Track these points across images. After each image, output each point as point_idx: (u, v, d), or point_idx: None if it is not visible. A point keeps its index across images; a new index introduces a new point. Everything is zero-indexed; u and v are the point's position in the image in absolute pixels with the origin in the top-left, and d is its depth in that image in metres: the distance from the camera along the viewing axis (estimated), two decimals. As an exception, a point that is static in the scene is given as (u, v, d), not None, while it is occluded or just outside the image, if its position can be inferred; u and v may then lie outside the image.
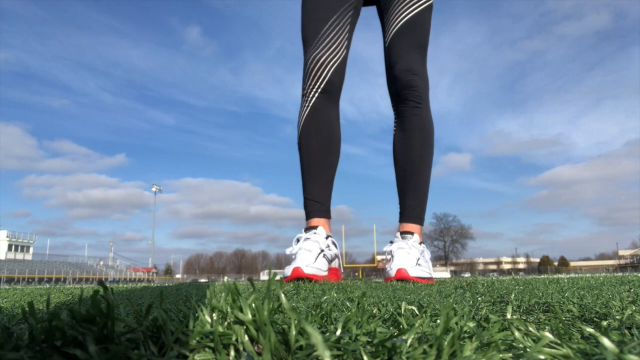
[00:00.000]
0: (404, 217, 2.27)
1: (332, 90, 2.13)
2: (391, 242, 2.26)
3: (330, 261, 2.13)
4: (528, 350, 0.31)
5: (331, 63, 2.10)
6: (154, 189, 66.59)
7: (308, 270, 1.92)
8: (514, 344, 0.34)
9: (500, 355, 0.29)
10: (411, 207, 2.27)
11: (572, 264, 74.05)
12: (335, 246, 2.18)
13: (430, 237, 68.53)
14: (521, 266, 75.44)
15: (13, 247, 49.88)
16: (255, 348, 0.31)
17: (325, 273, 2.03)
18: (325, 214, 2.15)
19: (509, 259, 78.62)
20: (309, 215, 2.15)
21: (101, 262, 60.40)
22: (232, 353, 0.31)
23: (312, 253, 2.00)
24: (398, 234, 2.24)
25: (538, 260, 75.78)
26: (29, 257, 51.95)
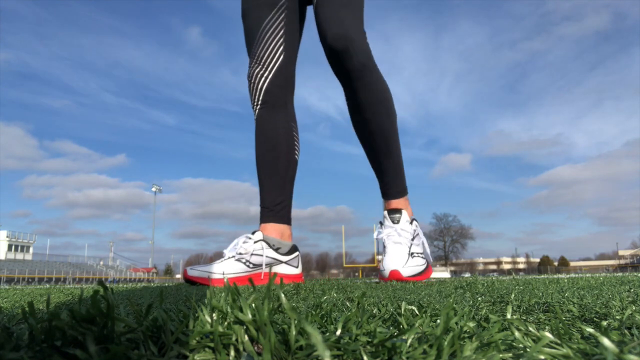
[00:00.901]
0: (386, 194, 2.20)
1: (273, 100, 2.12)
2: (381, 224, 2.19)
3: (251, 265, 2.00)
4: (528, 350, 0.31)
5: (265, 75, 2.10)
6: (153, 189, 66.61)
7: (191, 272, 1.93)
8: (514, 344, 0.34)
9: (500, 355, 0.29)
10: (390, 182, 2.17)
11: (572, 264, 74.08)
12: (276, 250, 2.06)
13: (430, 237, 68.56)
14: (521, 266, 75.49)
15: (13, 247, 49.93)
16: (255, 348, 0.31)
17: (224, 277, 1.91)
18: (273, 218, 2.10)
19: (509, 259, 78.66)
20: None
21: (101, 262, 60.43)
22: (232, 353, 0.31)
23: (225, 256, 2.00)
24: (385, 213, 2.17)
25: (538, 260, 75.82)
26: (29, 257, 52.00)
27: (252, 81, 2.13)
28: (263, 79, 2.11)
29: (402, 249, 2.06)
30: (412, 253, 2.07)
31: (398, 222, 2.13)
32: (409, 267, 2.01)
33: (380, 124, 2.10)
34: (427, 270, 2.14)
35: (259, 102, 2.14)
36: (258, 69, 2.11)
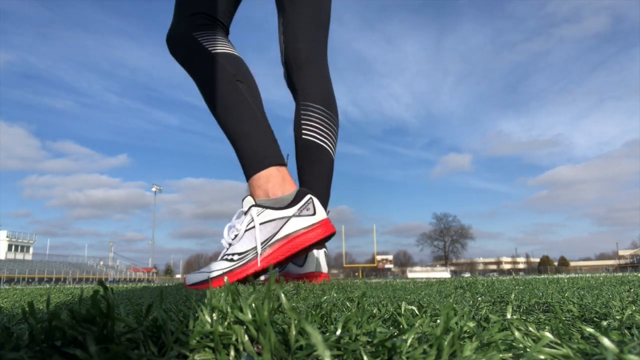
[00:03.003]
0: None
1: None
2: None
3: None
4: (528, 350, 0.31)
5: None
6: (153, 189, 66.64)
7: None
8: (514, 344, 0.34)
9: (500, 355, 0.29)
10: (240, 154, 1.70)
11: (572, 264, 74.07)
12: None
13: (430, 237, 68.57)
14: (521, 266, 75.49)
15: (13, 247, 49.95)
16: (255, 348, 0.31)
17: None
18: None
19: (509, 259, 78.66)
20: None
21: (101, 262, 60.46)
22: (232, 353, 0.31)
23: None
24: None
25: (538, 260, 75.82)
26: (29, 257, 52.02)
27: None
28: None
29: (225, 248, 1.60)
30: (226, 255, 1.57)
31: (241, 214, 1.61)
32: (197, 274, 1.61)
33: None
34: (213, 280, 1.53)
35: None
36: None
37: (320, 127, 1.97)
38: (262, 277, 2.15)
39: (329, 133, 1.99)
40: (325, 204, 1.92)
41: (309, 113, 1.97)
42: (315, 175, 1.94)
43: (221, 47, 1.88)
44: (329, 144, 1.98)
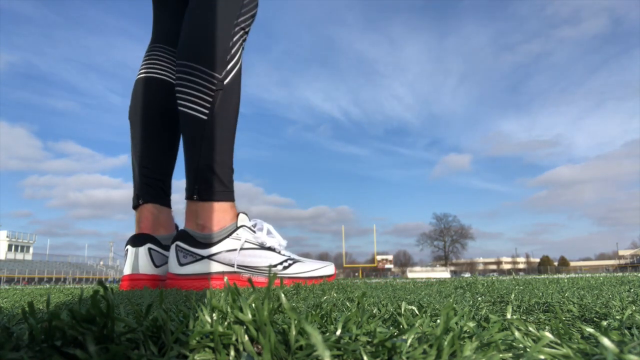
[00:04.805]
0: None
1: None
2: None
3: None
4: (528, 350, 0.31)
5: None
6: (154, 189, 66.41)
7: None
8: (514, 344, 0.34)
9: (500, 355, 0.29)
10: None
11: (572, 264, 74.02)
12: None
13: (430, 237, 68.56)
14: (521, 266, 75.43)
15: (13, 247, 49.95)
16: (255, 348, 0.31)
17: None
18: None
19: (509, 259, 78.61)
20: None
21: (101, 262, 60.44)
22: (232, 353, 0.31)
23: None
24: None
25: (538, 260, 75.77)
26: (29, 257, 52.01)
27: None
28: None
29: None
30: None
31: None
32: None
33: None
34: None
35: None
36: None
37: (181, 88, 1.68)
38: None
39: (184, 89, 1.68)
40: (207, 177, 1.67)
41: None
42: (187, 146, 1.72)
43: (141, 72, 2.04)
44: (188, 103, 1.68)
